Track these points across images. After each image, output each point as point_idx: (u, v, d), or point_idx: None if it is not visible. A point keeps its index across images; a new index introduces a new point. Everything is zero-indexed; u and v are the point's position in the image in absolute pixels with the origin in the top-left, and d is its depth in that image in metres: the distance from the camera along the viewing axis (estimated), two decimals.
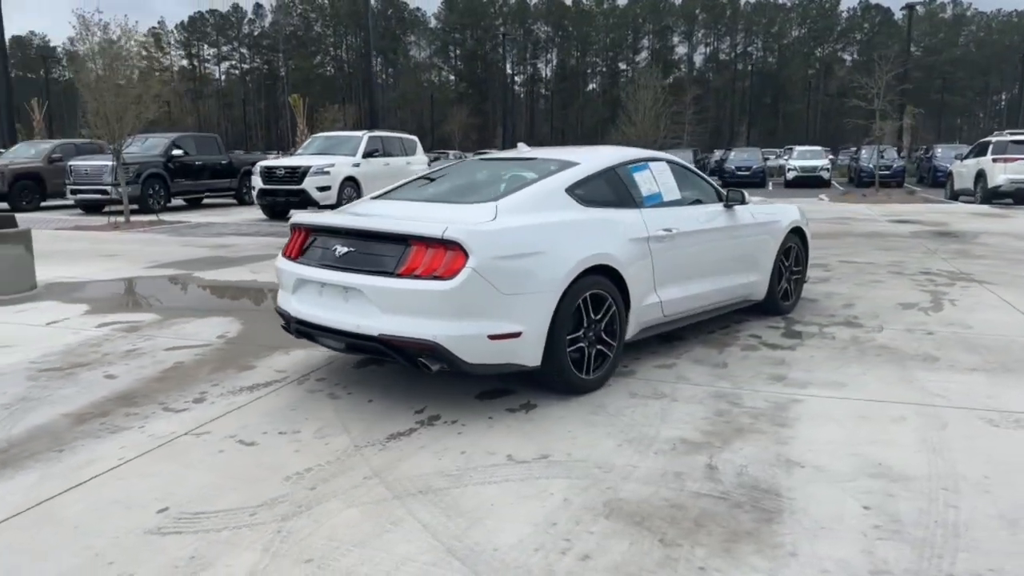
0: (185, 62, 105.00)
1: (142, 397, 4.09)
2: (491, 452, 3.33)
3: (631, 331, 4.46)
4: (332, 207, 12.78)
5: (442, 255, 3.57)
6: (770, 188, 27.87)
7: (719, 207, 5.22)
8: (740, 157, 31.78)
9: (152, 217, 15.00)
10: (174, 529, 2.67)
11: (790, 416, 3.75)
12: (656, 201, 4.74)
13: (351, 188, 14.74)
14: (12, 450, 3.39)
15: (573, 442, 3.44)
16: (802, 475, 3.09)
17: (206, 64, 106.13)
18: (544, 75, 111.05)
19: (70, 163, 16.57)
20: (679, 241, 4.72)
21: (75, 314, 6.16)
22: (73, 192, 16.34)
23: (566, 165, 4.48)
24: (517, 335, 3.70)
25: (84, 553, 2.52)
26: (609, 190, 4.50)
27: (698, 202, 5.23)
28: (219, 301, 7.01)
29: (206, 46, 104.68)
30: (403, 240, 3.69)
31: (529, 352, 3.76)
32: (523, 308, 3.70)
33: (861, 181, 27.45)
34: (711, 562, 2.44)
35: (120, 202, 14.14)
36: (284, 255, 4.27)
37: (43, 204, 17.86)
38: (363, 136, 15.74)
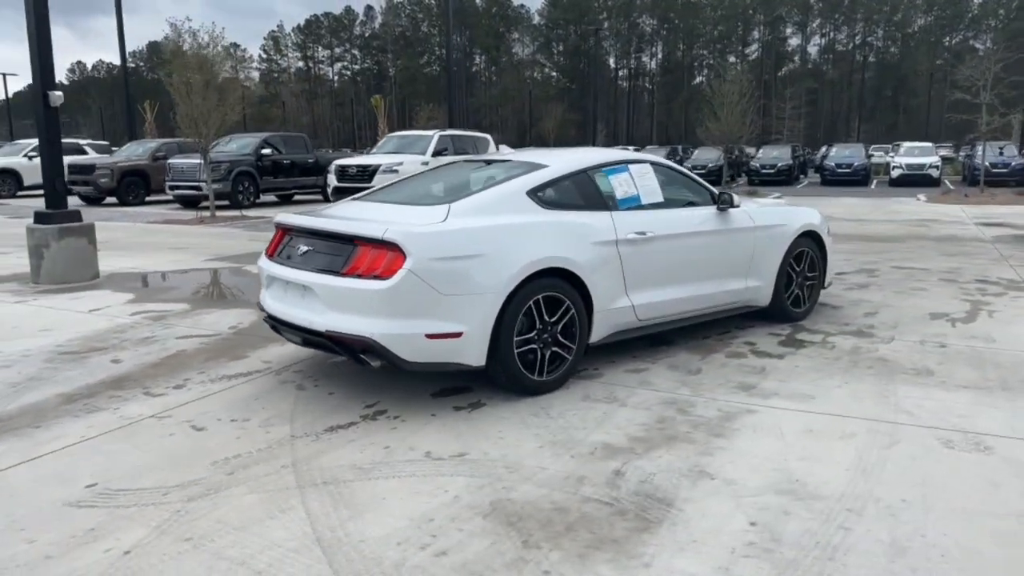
0: (301, 64, 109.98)
1: (132, 381, 4.44)
2: (412, 448, 3.43)
3: (599, 334, 4.45)
4: None
5: (383, 256, 3.71)
6: (872, 187, 26.43)
7: (710, 210, 5.10)
8: (841, 154, 30.27)
9: (236, 212, 15.91)
10: (90, 503, 2.93)
11: (734, 427, 3.66)
12: (632, 204, 4.70)
13: None
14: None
15: (497, 442, 3.50)
16: (707, 487, 3.03)
17: (320, 65, 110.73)
18: (648, 69, 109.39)
19: (169, 161, 17.80)
20: (656, 245, 4.66)
21: (118, 302, 6.70)
22: (171, 188, 17.54)
23: (534, 167, 4.51)
24: (458, 335, 3.78)
25: (2, 519, 2.81)
26: (577, 193, 4.50)
27: (691, 204, 5.13)
28: (250, 294, 7.43)
29: (320, 48, 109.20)
30: (351, 241, 3.85)
31: (472, 352, 3.84)
32: (464, 309, 3.78)
33: (974, 180, 25.61)
34: (560, 567, 2.46)
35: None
36: (265, 253, 4.53)
37: (148, 199, 19.27)
38: (434, 135, 16.11)
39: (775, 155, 30.89)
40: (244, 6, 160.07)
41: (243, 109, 15.57)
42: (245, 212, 16.08)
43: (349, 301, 3.74)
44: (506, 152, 5.59)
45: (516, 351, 3.98)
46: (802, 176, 33.83)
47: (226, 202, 16.82)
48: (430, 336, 3.73)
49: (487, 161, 5.13)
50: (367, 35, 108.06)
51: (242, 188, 17.45)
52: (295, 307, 4.04)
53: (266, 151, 18.10)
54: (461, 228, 3.88)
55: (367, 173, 14.60)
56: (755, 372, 4.54)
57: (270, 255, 4.43)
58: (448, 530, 2.70)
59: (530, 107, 75.74)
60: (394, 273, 3.65)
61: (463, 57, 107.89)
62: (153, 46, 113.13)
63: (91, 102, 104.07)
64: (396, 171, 14.70)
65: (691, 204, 5.13)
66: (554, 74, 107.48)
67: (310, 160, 19.68)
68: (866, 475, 3.12)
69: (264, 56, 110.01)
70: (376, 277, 3.68)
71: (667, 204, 4.93)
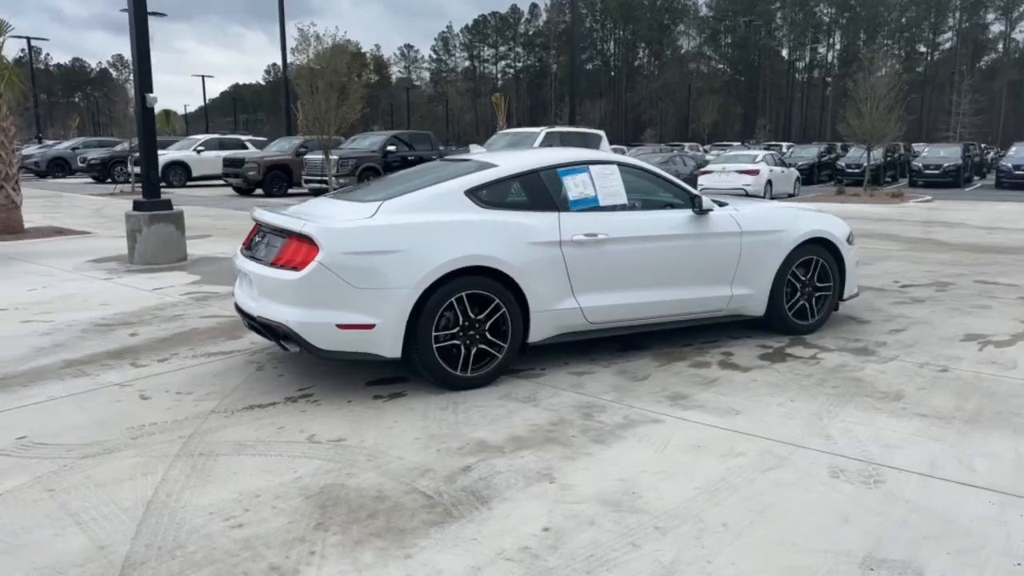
0: (467, 63, 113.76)
1: (130, 353, 5.01)
2: (303, 431, 3.66)
3: (541, 334, 4.46)
4: None
5: (302, 249, 3.97)
6: None
7: (684, 214, 4.91)
8: (1020, 155, 27.09)
9: None
10: (7, 452, 3.42)
11: (623, 435, 3.58)
12: (587, 205, 4.64)
13: None
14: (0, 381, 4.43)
15: (384, 431, 3.65)
16: (537, 490, 3.02)
17: (485, 64, 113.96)
18: (827, 60, 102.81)
19: (306, 156, 19.24)
20: (611, 247, 4.59)
21: (181, 283, 7.48)
22: (306, 181, 18.96)
23: (484, 167, 4.58)
24: (370, 327, 3.97)
25: None
26: (524, 193, 4.53)
27: (670, 207, 4.97)
28: None
29: (485, 47, 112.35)
30: (285, 234, 4.14)
31: (386, 344, 4.01)
32: (377, 302, 3.96)
33: None
34: (329, 549, 2.59)
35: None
36: (242, 245, 4.93)
37: (290, 191, 20.91)
38: (540, 132, 16.26)
39: (943, 155, 28.24)
40: (418, 7, 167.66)
41: (363, 108, 16.42)
42: None
43: (272, 290, 4.04)
44: (475, 151, 5.66)
45: (436, 346, 4.10)
46: (976, 178, 30.64)
47: None
48: (341, 326, 3.94)
49: (457, 160, 5.25)
50: (531, 32, 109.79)
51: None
52: (245, 295, 4.40)
53: (392, 148, 19.09)
54: (379, 225, 4.05)
55: None
56: (702, 383, 4.36)
57: (244, 247, 4.83)
58: (263, 507, 2.90)
59: (689, 100, 73.70)
60: (307, 265, 3.90)
61: (625, 51, 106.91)
62: (336, 49, 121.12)
63: (282, 101, 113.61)
64: None
65: (669, 207, 4.97)
66: (720, 67, 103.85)
67: (434, 156, 20.46)
68: (711, 496, 2.97)
69: (433, 56, 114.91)
70: (293, 268, 3.95)
71: (633, 206, 4.82)
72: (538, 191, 4.56)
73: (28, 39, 42.00)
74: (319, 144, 20.99)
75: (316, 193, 19.06)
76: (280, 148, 21.84)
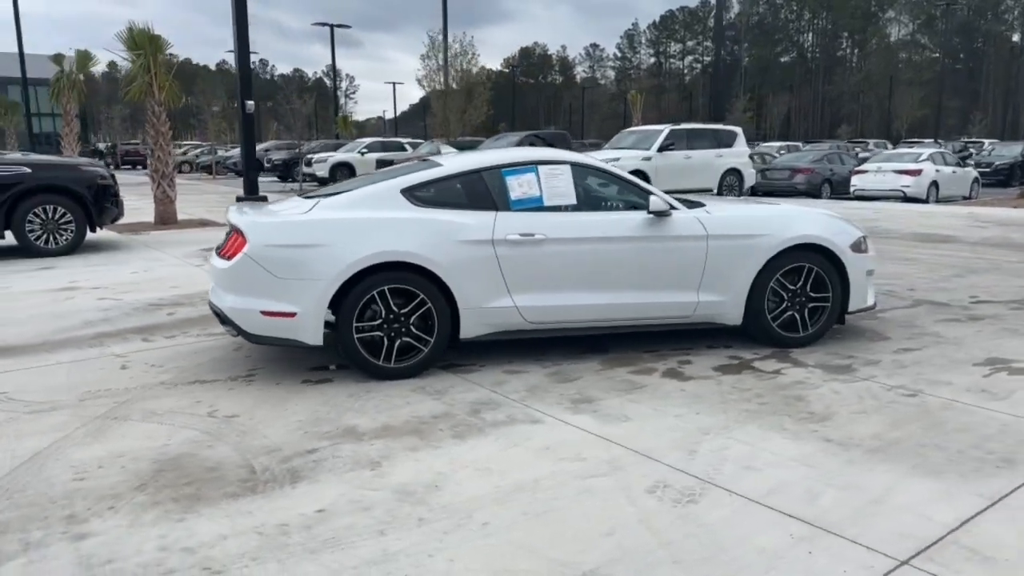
0: (653, 59, 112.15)
1: (153, 330, 5.71)
2: (211, 406, 4.04)
3: (473, 331, 4.55)
4: None
5: (238, 241, 4.36)
6: None
7: (639, 216, 4.74)
8: None
9: None
10: None
11: (489, 433, 3.62)
12: (530, 205, 4.64)
13: None
14: (32, 345, 5.25)
15: (279, 412, 3.94)
16: (353, 476, 3.17)
17: (671, 60, 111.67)
18: None
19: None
20: (550, 247, 4.56)
21: None
22: None
23: (430, 167, 4.73)
24: (291, 315, 4.28)
25: None
26: (462, 193, 4.61)
27: (633, 208, 4.83)
28: None
29: (672, 43, 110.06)
30: (231, 228, 4.57)
31: (307, 332, 4.30)
32: (298, 292, 4.26)
33: None
34: (123, 507, 2.91)
35: None
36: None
37: None
38: (664, 130, 15.89)
39: None
40: (606, 5, 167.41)
41: (488, 110, 16.94)
42: None
43: (215, 278, 4.48)
44: (445, 152, 5.76)
45: (358, 336, 4.33)
46: None
47: None
48: (265, 313, 4.28)
49: (419, 160, 5.42)
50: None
51: None
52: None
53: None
54: (303, 220, 4.35)
55: None
56: (625, 390, 4.23)
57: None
58: (114, 466, 3.29)
59: (891, 94, 67.57)
60: (236, 255, 4.28)
61: (827, 41, 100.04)
62: (525, 52, 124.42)
63: (471, 105, 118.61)
64: None
65: (633, 208, 4.83)
66: (936, 55, 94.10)
67: None
68: (505, 496, 2.96)
69: (618, 55, 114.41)
70: (228, 258, 4.35)
71: (583, 207, 4.75)
72: (478, 191, 4.64)
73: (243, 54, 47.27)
74: (462, 146, 21.96)
75: None
76: (429, 150, 23.03)
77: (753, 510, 2.84)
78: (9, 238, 9.25)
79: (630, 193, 4.88)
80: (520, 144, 19.72)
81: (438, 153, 17.65)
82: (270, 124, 45.66)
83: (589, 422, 3.75)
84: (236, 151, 35.88)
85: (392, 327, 4.39)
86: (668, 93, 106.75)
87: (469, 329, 4.54)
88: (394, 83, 72.13)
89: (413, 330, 4.42)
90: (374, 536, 2.67)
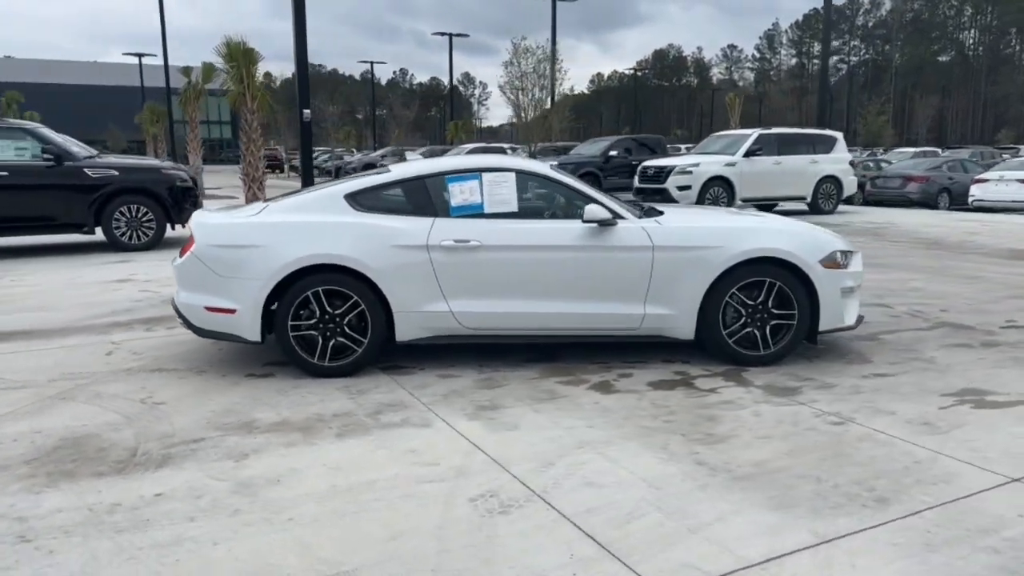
0: (794, 60, 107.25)
1: (161, 321, 6.20)
2: (151, 393, 4.35)
3: (409, 334, 4.65)
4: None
5: (190, 241, 4.69)
6: None
7: (582, 224, 4.65)
8: None
9: None
10: None
11: (373, 434, 3.71)
12: (469, 212, 4.68)
13: (720, 188, 14.59)
14: (52, 330, 5.85)
15: (200, 402, 4.20)
16: (212, 466, 3.36)
17: (814, 61, 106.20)
18: None
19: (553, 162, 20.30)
20: (486, 254, 4.58)
21: None
22: None
23: (380, 173, 4.88)
24: (231, 311, 4.55)
25: None
26: (404, 198, 4.72)
27: (578, 217, 4.75)
28: None
29: (815, 43, 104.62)
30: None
31: (246, 328, 4.56)
32: (237, 290, 4.52)
33: None
34: (2, 475, 3.25)
35: None
36: None
37: None
38: (752, 134, 15.25)
39: None
40: (747, 5, 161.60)
41: (570, 116, 16.88)
42: None
43: (174, 274, 4.83)
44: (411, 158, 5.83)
45: (292, 335, 4.55)
46: None
47: None
48: (208, 309, 4.58)
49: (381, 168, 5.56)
50: (870, 24, 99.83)
51: None
52: None
53: (613, 153, 19.27)
54: (246, 223, 4.61)
55: (663, 175, 14.69)
56: (540, 400, 4.19)
57: None
58: (25, 440, 3.65)
59: None
60: (186, 254, 4.61)
61: (992, 39, 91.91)
62: (659, 54, 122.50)
63: (603, 108, 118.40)
64: (690, 172, 14.47)
65: (578, 217, 4.76)
66: None
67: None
68: (325, 494, 3.05)
69: (756, 55, 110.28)
70: (181, 256, 4.69)
71: (526, 215, 4.73)
72: (419, 197, 4.73)
73: (372, 64, 49.48)
74: (551, 152, 21.94)
75: None
76: (590, 151, 22.69)
77: (557, 527, 2.77)
78: (99, 234, 10.29)
79: (578, 201, 4.81)
80: (611, 148, 19.54)
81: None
82: (403, 131, 47.60)
83: (475, 429, 3.76)
84: (358, 156, 37.76)
85: (327, 327, 4.57)
86: (810, 95, 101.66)
87: (404, 332, 4.64)
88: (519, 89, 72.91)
89: (347, 331, 4.58)
90: (182, 522, 2.84)
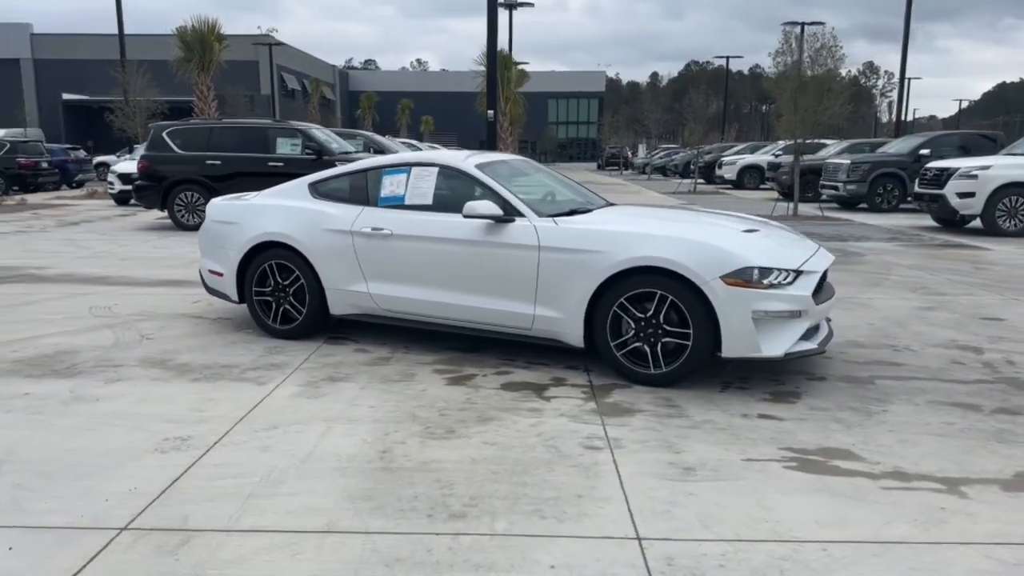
0: None
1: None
2: (119, 365, 5.38)
3: (339, 309, 5.21)
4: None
5: None
6: None
7: (478, 220, 4.67)
8: None
9: (816, 212, 15.59)
10: None
11: (200, 381, 4.42)
12: (392, 202, 5.03)
13: (1020, 197, 11.76)
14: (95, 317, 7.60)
15: (187, 340, 5.32)
16: (57, 398, 4.40)
17: None
18: None
19: (827, 160, 18.27)
20: (396, 243, 4.92)
21: None
22: (821, 187, 18.03)
23: (343, 165, 5.48)
24: (221, 275, 5.60)
25: None
26: (348, 188, 5.25)
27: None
28: None
29: None
30: None
31: (229, 289, 5.58)
32: (223, 258, 5.56)
33: None
34: None
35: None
36: None
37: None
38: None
39: None
40: None
41: (846, 107, 14.75)
42: (825, 211, 15.54)
43: None
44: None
45: (255, 299, 5.45)
46: None
47: (863, 204, 16.68)
48: (211, 271, 5.70)
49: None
50: None
51: (883, 190, 16.62)
52: None
53: (925, 152, 16.47)
54: (233, 204, 5.59)
55: (943, 178, 12.29)
56: (390, 381, 4.45)
57: None
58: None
59: None
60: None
61: None
62: None
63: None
64: (975, 176, 11.86)
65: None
66: None
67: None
68: (106, 456, 3.85)
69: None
70: None
71: (438, 208, 4.91)
72: (359, 187, 5.23)
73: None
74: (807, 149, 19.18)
75: (839, 201, 17.89)
76: (897, 149, 20.37)
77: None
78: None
79: (492, 198, 4.81)
80: (924, 146, 16.76)
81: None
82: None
83: (284, 390, 4.23)
84: (680, 154, 37.43)
85: (277, 296, 5.37)
86: None
87: (336, 307, 5.22)
88: (908, 81, 63.84)
89: (293, 301, 5.32)
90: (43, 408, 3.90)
